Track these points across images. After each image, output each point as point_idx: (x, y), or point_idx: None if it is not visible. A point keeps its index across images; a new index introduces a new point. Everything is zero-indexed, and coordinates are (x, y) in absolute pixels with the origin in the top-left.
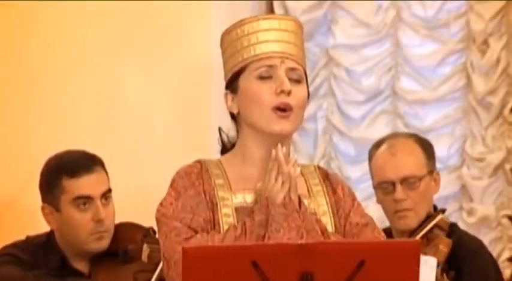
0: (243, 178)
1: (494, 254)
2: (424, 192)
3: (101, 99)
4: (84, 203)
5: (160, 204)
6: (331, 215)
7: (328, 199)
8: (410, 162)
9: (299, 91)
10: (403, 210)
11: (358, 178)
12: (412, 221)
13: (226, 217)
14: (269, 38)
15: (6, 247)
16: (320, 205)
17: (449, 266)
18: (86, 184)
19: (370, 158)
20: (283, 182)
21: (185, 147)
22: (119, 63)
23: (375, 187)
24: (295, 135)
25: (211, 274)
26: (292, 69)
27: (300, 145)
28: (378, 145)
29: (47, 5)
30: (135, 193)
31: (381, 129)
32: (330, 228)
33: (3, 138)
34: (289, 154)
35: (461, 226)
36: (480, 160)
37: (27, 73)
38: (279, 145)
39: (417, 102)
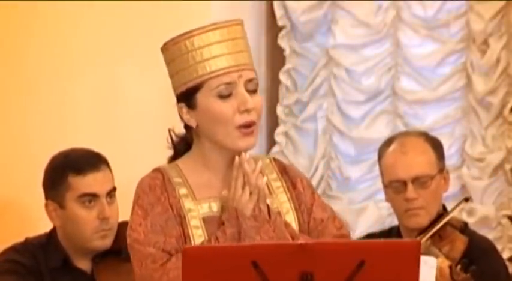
0: (206, 186)
1: None
2: (435, 191)
3: (101, 99)
4: (90, 201)
5: (130, 227)
6: (294, 211)
7: (289, 195)
8: (422, 161)
9: (258, 101)
10: (415, 208)
11: (358, 178)
12: (423, 219)
13: (196, 229)
14: (222, 52)
15: (5, 252)
16: (282, 202)
17: (468, 261)
18: (92, 182)
19: (380, 157)
20: (251, 193)
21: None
22: (118, 63)
23: (385, 186)
24: (295, 135)
25: (211, 274)
26: (250, 80)
27: (300, 144)
28: (388, 143)
29: (47, 5)
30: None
31: (381, 129)
32: (294, 225)
33: (3, 139)
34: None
35: None
36: (480, 160)
37: (27, 73)
38: (243, 153)
39: (417, 102)
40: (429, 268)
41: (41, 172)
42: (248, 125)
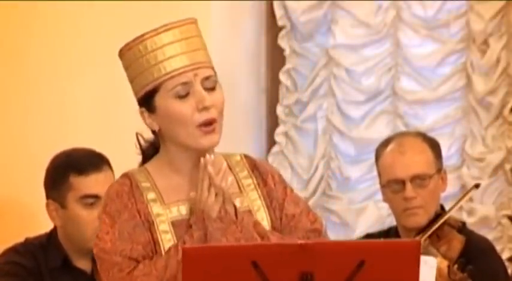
0: (174, 189)
1: None
2: (433, 191)
3: (101, 99)
4: (91, 202)
5: (97, 237)
6: (266, 208)
7: (260, 192)
8: (420, 160)
9: (217, 97)
10: (413, 208)
11: (358, 178)
12: (422, 219)
13: (165, 234)
14: (176, 52)
15: (6, 253)
16: (253, 200)
17: (466, 261)
18: (94, 183)
19: (378, 157)
20: (216, 194)
21: None
22: (118, 63)
23: (383, 186)
24: (295, 135)
25: (211, 274)
26: (207, 78)
27: (300, 145)
28: (385, 143)
29: (47, 5)
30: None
31: (381, 129)
32: (266, 223)
33: (3, 139)
34: (215, 157)
35: None
36: (480, 160)
37: (27, 73)
38: (207, 155)
39: (417, 102)
40: (429, 268)
41: (41, 172)
42: (208, 123)
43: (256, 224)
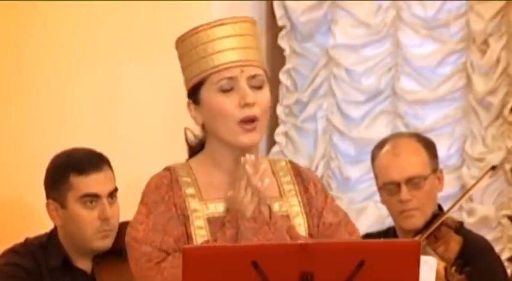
0: (214, 186)
1: None
2: (429, 191)
3: (101, 100)
4: (91, 201)
5: (131, 225)
6: (304, 215)
7: (300, 198)
8: (415, 162)
9: (262, 98)
10: (409, 210)
11: (358, 178)
12: (418, 220)
13: (199, 230)
14: (226, 47)
15: (5, 254)
16: (292, 206)
17: (463, 262)
18: (94, 182)
19: (373, 159)
20: (252, 194)
21: (185, 146)
22: (118, 63)
23: (379, 188)
24: (295, 135)
25: (211, 274)
26: (253, 76)
27: (300, 144)
28: (380, 145)
29: (47, 5)
30: (134, 193)
31: (381, 129)
32: (303, 229)
33: (3, 139)
34: (257, 158)
35: None
36: (480, 160)
37: (27, 73)
38: (247, 155)
39: (417, 102)
40: (429, 268)
41: (41, 172)
42: (250, 120)
43: (291, 228)
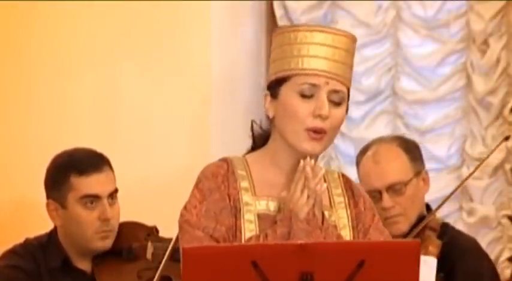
0: (268, 184)
1: (494, 254)
2: (412, 195)
3: (101, 99)
4: (92, 202)
5: (185, 207)
6: (351, 229)
7: (349, 212)
8: (394, 168)
9: (337, 114)
10: (392, 216)
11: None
12: (403, 226)
13: (249, 223)
14: (320, 54)
15: (5, 255)
16: (341, 218)
17: (444, 265)
18: (94, 183)
19: (357, 165)
20: (308, 197)
21: (185, 146)
22: (118, 63)
23: None
24: None
25: (211, 274)
26: (336, 91)
27: None
28: (363, 151)
29: (47, 5)
30: (134, 193)
31: (380, 129)
32: None
33: (3, 139)
34: (316, 164)
35: (461, 226)
36: (480, 160)
37: (27, 73)
38: (308, 158)
39: (417, 102)
40: (429, 268)
41: (41, 172)
42: (318, 131)
43: (340, 237)
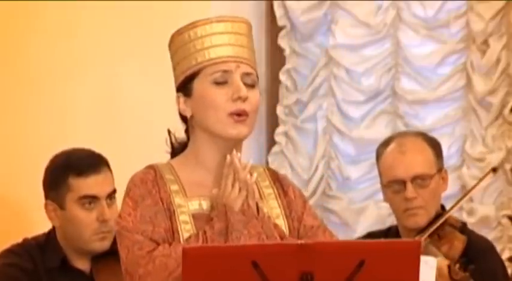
0: (197, 184)
1: None
2: (434, 190)
3: (101, 99)
4: (90, 203)
5: (119, 216)
6: (285, 217)
7: (280, 202)
8: (421, 160)
9: (253, 96)
10: (414, 208)
11: (358, 178)
12: (422, 219)
13: (185, 224)
14: (223, 42)
15: (3, 254)
16: (273, 208)
17: (467, 261)
18: (93, 184)
19: (378, 157)
20: (240, 189)
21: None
22: (118, 63)
23: (384, 186)
24: (295, 135)
25: (211, 274)
26: (247, 74)
27: (300, 144)
28: (386, 143)
29: (47, 5)
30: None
31: (380, 129)
32: (284, 231)
33: (3, 138)
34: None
35: None
36: (480, 160)
37: (27, 73)
38: (234, 151)
39: (417, 102)
40: (429, 268)
41: (40, 172)
42: (240, 113)
43: (276, 225)
